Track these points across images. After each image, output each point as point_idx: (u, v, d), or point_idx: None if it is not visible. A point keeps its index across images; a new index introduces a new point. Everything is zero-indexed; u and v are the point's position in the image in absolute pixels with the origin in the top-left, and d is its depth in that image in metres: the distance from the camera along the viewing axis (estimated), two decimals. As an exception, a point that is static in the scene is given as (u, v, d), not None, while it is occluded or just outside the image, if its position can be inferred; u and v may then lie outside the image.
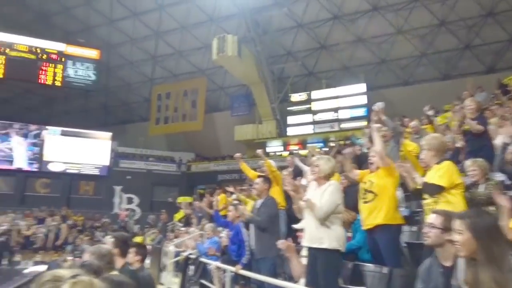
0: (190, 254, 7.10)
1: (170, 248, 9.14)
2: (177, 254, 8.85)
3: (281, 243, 3.94)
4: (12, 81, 23.97)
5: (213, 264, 5.45)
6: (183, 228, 11.44)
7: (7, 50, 22.42)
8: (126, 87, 28.48)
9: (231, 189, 6.94)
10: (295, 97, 23.39)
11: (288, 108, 23.49)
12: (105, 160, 23.32)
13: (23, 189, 22.39)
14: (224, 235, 6.42)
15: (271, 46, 22.79)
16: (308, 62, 23.73)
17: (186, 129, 26.04)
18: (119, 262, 2.54)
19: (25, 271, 4.12)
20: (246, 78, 22.38)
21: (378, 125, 4.31)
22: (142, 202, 23.62)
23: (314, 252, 3.57)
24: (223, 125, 25.50)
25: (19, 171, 21.94)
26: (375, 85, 21.81)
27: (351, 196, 4.36)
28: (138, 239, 11.74)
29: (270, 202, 4.55)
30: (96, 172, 23.15)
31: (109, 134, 23.89)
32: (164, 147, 27.39)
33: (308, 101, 22.96)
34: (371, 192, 3.91)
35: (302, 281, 3.66)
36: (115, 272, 2.35)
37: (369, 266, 3.93)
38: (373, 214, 3.88)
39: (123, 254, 2.63)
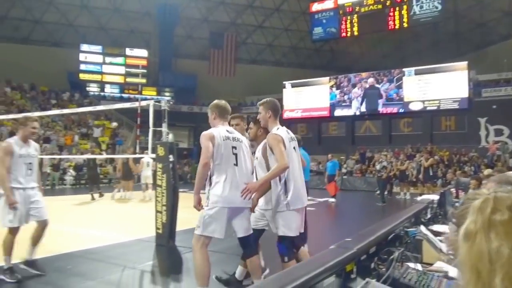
0: None
1: None
2: None
3: None
4: (365, 35, 26.61)
5: None
6: None
7: (358, 8, 24.95)
8: (479, 5, 25.00)
9: None
10: None
11: None
12: (464, 92, 21.81)
13: (389, 129, 24.85)
14: None
15: None
16: None
17: None
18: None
19: (418, 198, 4.52)
20: None
21: None
22: (516, 132, 20.63)
23: None
24: None
25: (384, 114, 24.34)
26: None
27: None
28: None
29: None
30: (455, 106, 22.14)
31: (464, 64, 22.06)
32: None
33: None
34: None
35: None
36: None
37: None
38: None
39: None
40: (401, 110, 23.56)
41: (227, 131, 3.47)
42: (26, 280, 4.09)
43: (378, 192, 14.13)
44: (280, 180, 3.36)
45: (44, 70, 26.08)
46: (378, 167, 13.79)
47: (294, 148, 3.51)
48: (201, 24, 31.31)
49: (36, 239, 4.27)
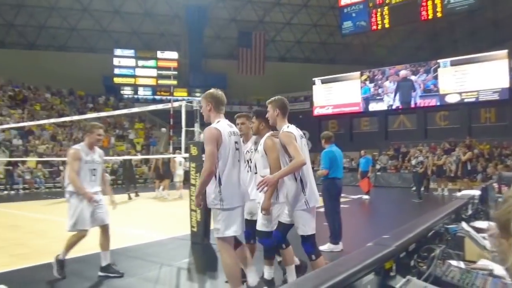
0: None
1: None
2: None
3: None
4: (397, 27, 25.85)
5: None
6: None
7: (388, 0, 24.28)
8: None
9: None
10: None
11: None
12: (504, 82, 20.78)
13: (424, 123, 24.08)
14: None
15: None
16: None
17: None
18: None
19: (458, 194, 4.36)
20: None
21: None
22: None
23: None
24: None
25: (419, 107, 23.57)
26: None
27: None
28: None
29: None
30: (495, 96, 21.13)
31: (504, 52, 21.00)
32: None
33: None
34: None
35: None
36: None
37: None
38: None
39: None
40: (438, 103, 22.75)
41: (228, 125, 3.39)
42: (70, 276, 4.28)
43: (414, 188, 13.74)
44: (296, 178, 3.34)
45: (80, 75, 27.13)
46: (413, 162, 13.41)
47: (304, 145, 3.50)
48: (229, 24, 31.52)
49: (105, 245, 4.39)
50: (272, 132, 3.78)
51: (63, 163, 17.43)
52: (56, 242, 6.25)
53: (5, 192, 16.07)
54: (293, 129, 3.44)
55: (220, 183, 3.21)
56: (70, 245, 4.25)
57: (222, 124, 3.30)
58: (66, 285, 4.14)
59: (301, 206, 3.34)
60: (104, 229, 4.42)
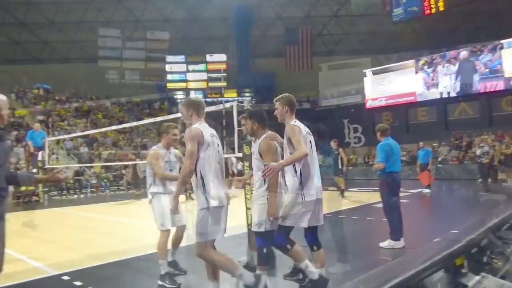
0: None
1: None
2: None
3: None
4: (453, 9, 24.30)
5: None
6: None
7: (442, -19, 22.91)
8: None
9: None
10: None
11: None
12: None
13: (489, 110, 22.41)
14: None
15: None
16: None
17: None
18: None
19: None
20: None
21: None
22: None
23: None
24: None
25: (480, 93, 22.00)
26: None
27: None
28: None
29: None
30: None
31: None
32: None
33: None
34: None
35: None
36: None
37: None
38: None
39: None
40: (503, 88, 21.05)
41: (209, 128, 3.43)
42: (136, 274, 4.49)
43: (479, 180, 12.86)
44: (296, 170, 3.40)
45: (136, 82, 28.56)
46: (478, 152, 12.54)
47: (310, 141, 3.53)
48: (276, 22, 31.52)
49: (177, 243, 4.53)
50: (268, 133, 3.77)
51: (125, 167, 18.43)
52: (122, 242, 6.63)
53: (75, 196, 17.31)
54: (299, 124, 3.52)
55: (203, 182, 3.22)
56: (163, 251, 4.27)
57: (203, 126, 3.37)
58: (132, 282, 4.36)
59: (298, 198, 3.40)
60: (181, 229, 4.52)
